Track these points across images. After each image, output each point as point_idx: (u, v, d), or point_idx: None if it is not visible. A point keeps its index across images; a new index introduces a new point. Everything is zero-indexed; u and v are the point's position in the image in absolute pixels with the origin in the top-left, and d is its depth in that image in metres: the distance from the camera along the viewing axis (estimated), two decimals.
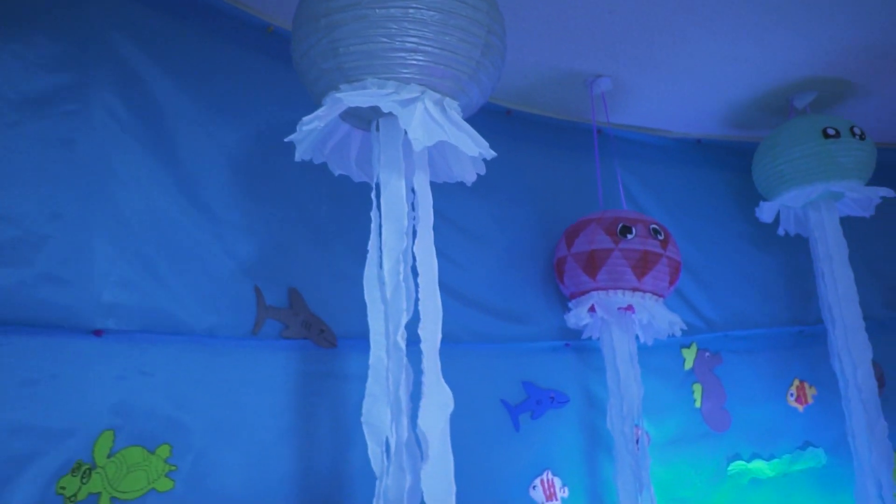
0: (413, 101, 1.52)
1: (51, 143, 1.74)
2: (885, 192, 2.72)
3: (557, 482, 2.53)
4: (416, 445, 1.56)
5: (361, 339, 1.71)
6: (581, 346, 2.71)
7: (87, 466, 1.66)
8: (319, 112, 1.53)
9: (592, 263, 2.42)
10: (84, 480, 1.65)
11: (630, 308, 2.45)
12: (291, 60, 1.68)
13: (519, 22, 2.29)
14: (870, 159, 2.74)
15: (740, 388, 2.96)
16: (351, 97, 1.49)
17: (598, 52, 2.54)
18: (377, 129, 1.64)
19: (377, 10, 1.46)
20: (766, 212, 2.91)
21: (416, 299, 1.56)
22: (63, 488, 1.61)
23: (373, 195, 1.63)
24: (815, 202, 2.81)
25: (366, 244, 1.65)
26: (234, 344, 1.99)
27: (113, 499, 1.69)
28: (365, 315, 1.64)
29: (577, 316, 2.51)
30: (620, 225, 2.42)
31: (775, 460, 2.92)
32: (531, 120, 2.87)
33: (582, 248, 2.45)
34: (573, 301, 2.56)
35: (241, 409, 1.96)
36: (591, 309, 2.50)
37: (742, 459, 2.89)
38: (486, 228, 2.65)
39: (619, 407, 2.47)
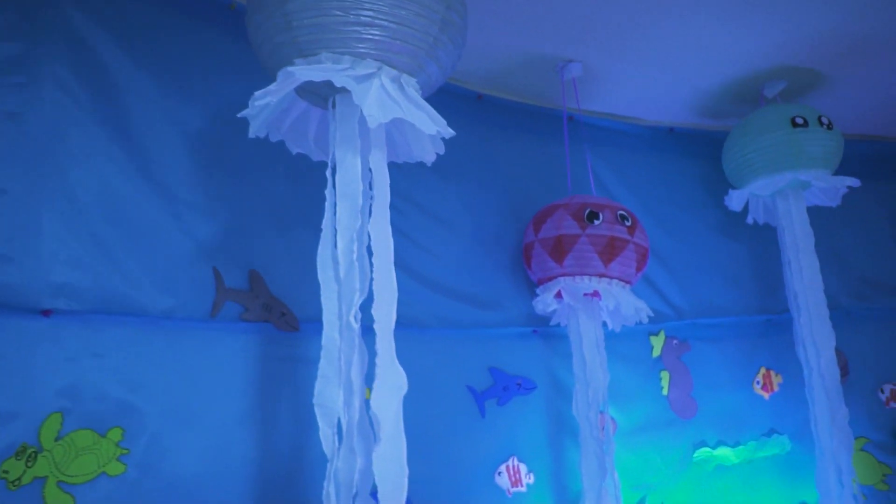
0: (369, 76, 1.49)
1: None
2: (851, 181, 2.73)
3: (523, 468, 2.53)
4: (370, 428, 1.54)
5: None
6: (549, 333, 2.70)
7: (32, 450, 1.62)
8: (272, 87, 1.50)
9: (559, 249, 2.41)
10: (29, 464, 1.61)
11: (596, 294, 2.44)
12: None
13: (489, 4, 2.26)
14: (837, 149, 2.75)
15: (707, 376, 2.96)
16: (304, 71, 1.45)
17: (569, 37, 2.52)
18: (333, 106, 1.60)
19: None
20: (735, 200, 2.91)
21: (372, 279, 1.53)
22: (6, 472, 1.57)
23: (328, 173, 1.59)
24: (783, 191, 2.83)
25: None
26: (191, 326, 1.96)
27: (60, 483, 1.65)
28: None
29: (544, 302, 2.50)
30: (588, 210, 2.41)
31: (740, 447, 2.94)
32: (502, 105, 2.84)
33: (549, 233, 2.44)
34: (541, 287, 2.54)
35: (198, 392, 1.93)
36: (559, 295, 2.49)
37: (708, 446, 2.90)
38: (456, 213, 2.62)
39: (585, 393, 2.47)
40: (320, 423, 1.54)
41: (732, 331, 3.07)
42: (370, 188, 1.60)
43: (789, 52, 2.70)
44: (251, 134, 1.63)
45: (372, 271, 1.53)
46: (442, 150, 1.73)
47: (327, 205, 1.59)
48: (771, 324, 3.13)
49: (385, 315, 1.50)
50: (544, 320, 2.68)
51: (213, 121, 2.10)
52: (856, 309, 3.18)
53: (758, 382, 3.07)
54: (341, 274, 1.51)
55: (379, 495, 1.42)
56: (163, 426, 1.84)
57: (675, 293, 3.01)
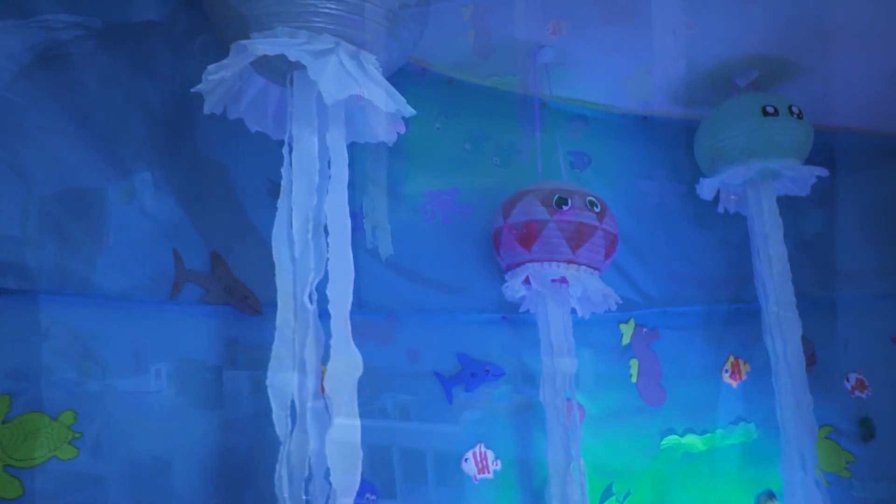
0: (327, 52, 1.45)
1: None
2: (819, 171, 2.75)
3: (490, 455, 2.52)
4: (325, 410, 1.51)
5: None
6: (518, 320, 2.69)
7: None
8: (225, 61, 1.46)
9: (528, 235, 2.39)
10: None
11: (564, 280, 2.43)
12: None
13: None
14: (807, 138, 2.76)
15: (676, 364, 2.98)
16: (257, 45, 1.41)
17: (542, 22, 2.50)
18: (291, 83, 1.57)
19: None
20: (706, 189, 2.92)
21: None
22: None
23: (284, 150, 1.56)
24: (753, 180, 2.83)
25: None
26: (149, 308, 1.92)
27: (7, 466, 1.61)
28: None
29: (513, 288, 2.48)
30: (556, 196, 2.39)
31: (708, 434, 2.96)
32: (473, 89, 2.81)
33: (518, 219, 2.42)
34: (509, 273, 2.53)
35: (156, 375, 1.90)
36: (527, 281, 2.47)
37: (676, 434, 2.92)
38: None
39: (552, 380, 2.47)
40: (273, 405, 1.51)
41: (702, 319, 3.09)
42: (329, 167, 1.57)
43: (761, 40, 2.69)
44: (206, 110, 1.59)
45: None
46: (403, 130, 1.70)
47: (283, 183, 1.56)
48: (740, 312, 3.15)
49: (341, 295, 1.48)
50: (513, 307, 2.66)
51: (174, 99, 2.04)
52: (823, 298, 3.21)
53: (726, 371, 3.09)
54: (296, 254, 1.48)
55: (332, 477, 1.40)
56: (117, 409, 1.80)
57: (645, 281, 3.01)
